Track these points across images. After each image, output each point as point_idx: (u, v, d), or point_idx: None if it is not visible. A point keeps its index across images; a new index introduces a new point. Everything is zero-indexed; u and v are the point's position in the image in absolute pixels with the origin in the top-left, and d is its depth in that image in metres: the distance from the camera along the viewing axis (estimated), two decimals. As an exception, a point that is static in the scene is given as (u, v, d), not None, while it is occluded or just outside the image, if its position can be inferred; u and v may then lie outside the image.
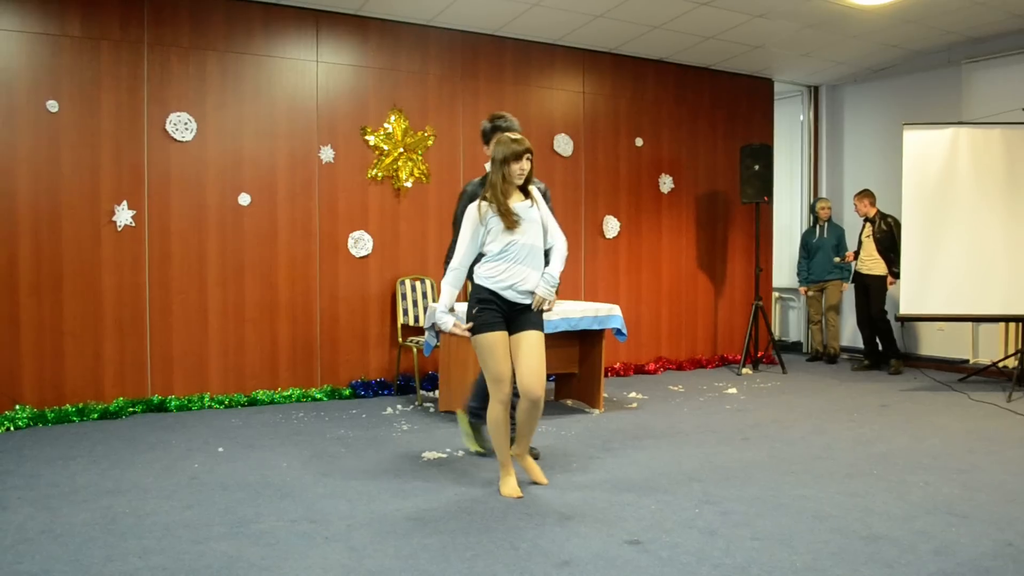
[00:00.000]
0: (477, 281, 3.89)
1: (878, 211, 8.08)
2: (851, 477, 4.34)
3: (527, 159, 3.88)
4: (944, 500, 3.93)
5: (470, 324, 3.88)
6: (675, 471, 4.44)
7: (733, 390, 7.07)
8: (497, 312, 3.87)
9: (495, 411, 3.91)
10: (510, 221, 3.82)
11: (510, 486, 3.96)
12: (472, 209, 3.87)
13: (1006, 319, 6.94)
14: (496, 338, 3.86)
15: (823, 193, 9.61)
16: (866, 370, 8.23)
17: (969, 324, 8.10)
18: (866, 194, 8.13)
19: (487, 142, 4.45)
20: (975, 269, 7.01)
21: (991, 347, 8.04)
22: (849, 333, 9.19)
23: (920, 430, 5.53)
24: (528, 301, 3.93)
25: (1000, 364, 7.65)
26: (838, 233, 8.89)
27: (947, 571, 3.05)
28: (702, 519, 3.63)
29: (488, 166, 4.03)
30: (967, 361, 8.16)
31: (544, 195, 4.42)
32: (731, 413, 6.12)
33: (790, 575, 3.01)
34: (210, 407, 6.08)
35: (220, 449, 4.86)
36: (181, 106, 6.09)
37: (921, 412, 6.16)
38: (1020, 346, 7.12)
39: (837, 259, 8.55)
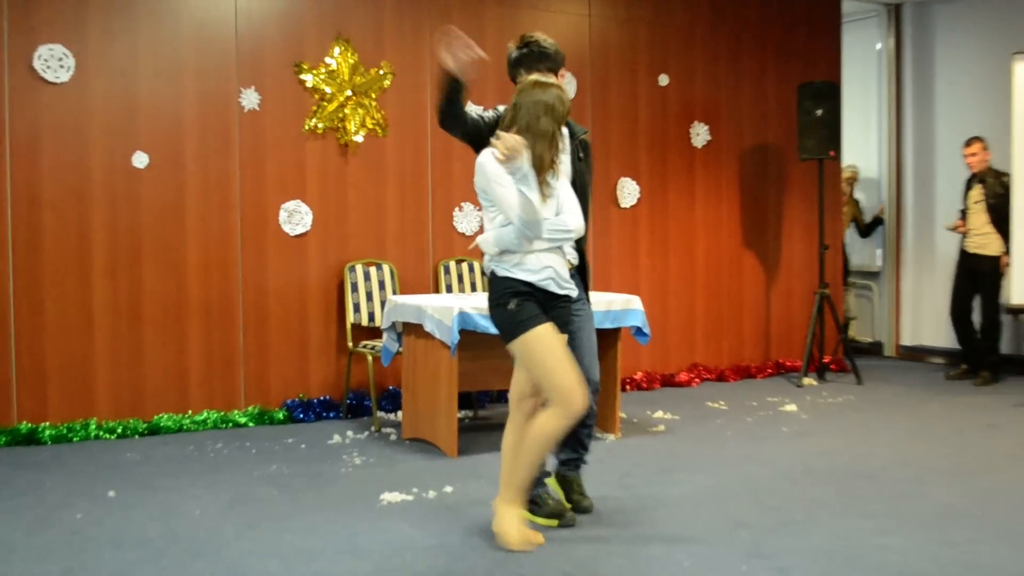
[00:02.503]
0: (505, 273, 3.93)
1: (991, 168, 8.01)
2: (948, 520, 4.33)
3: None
4: (1071, 549, 3.93)
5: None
6: (715, 515, 4.42)
7: (792, 407, 7.08)
8: (536, 306, 3.93)
9: (555, 427, 3.87)
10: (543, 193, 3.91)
11: (524, 532, 3.94)
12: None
13: None
14: (549, 330, 3.90)
15: (908, 145, 9.60)
16: (964, 377, 8.25)
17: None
18: (978, 141, 8.03)
19: (516, 77, 4.37)
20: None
21: None
22: (934, 328, 9.15)
23: (1038, 457, 5.55)
24: (567, 292, 4.01)
25: None
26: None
27: (1077, 644, 3.04)
28: (752, 579, 3.61)
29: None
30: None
31: (584, 147, 4.44)
32: (789, 438, 6.12)
33: (870, 652, 3.00)
34: (97, 437, 6.05)
35: (111, 493, 4.82)
36: (53, 36, 6.02)
37: (1039, 433, 6.19)
38: None
39: (948, 226, 8.44)
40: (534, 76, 4.07)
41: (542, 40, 4.31)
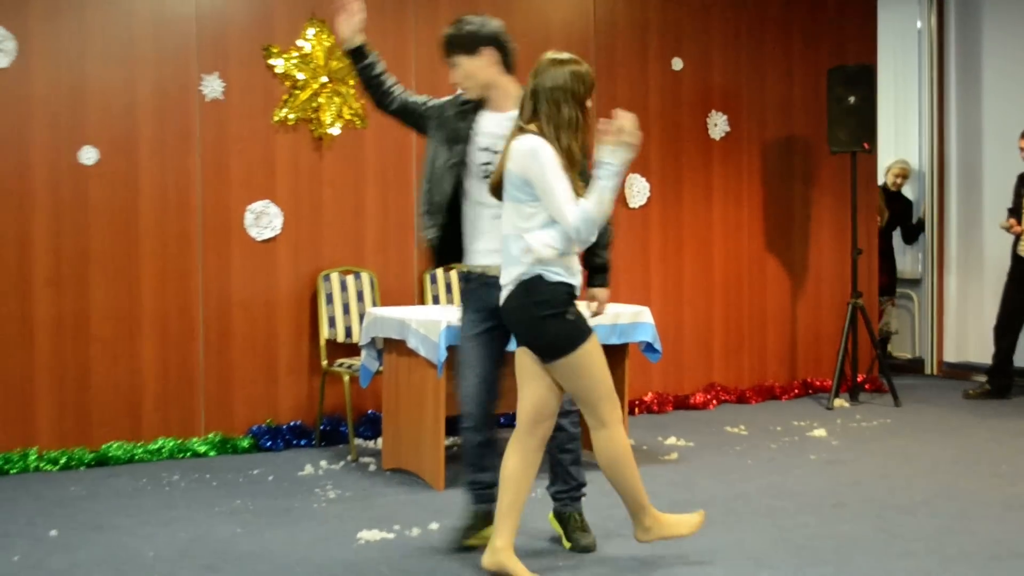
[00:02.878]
0: (557, 278, 4.02)
1: None
2: (998, 560, 4.34)
3: None
4: None
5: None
6: (735, 554, 4.43)
7: (821, 432, 7.08)
8: None
9: (624, 437, 4.17)
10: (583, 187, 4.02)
11: (689, 520, 4.30)
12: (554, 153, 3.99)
13: None
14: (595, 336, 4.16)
15: (952, 136, 9.60)
16: (984, 398, 8.32)
17: None
18: None
19: (456, 55, 4.50)
20: None
21: None
22: (981, 343, 9.12)
23: (1099, 488, 5.56)
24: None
25: None
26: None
27: None
28: (776, 628, 3.62)
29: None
30: None
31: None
32: (818, 467, 6.12)
33: None
34: (38, 469, 6.02)
35: (52, 532, 4.80)
36: (-10, 17, 6.04)
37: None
38: None
39: (1002, 225, 8.39)
40: (549, 54, 4.14)
41: (456, 24, 4.52)
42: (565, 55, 4.10)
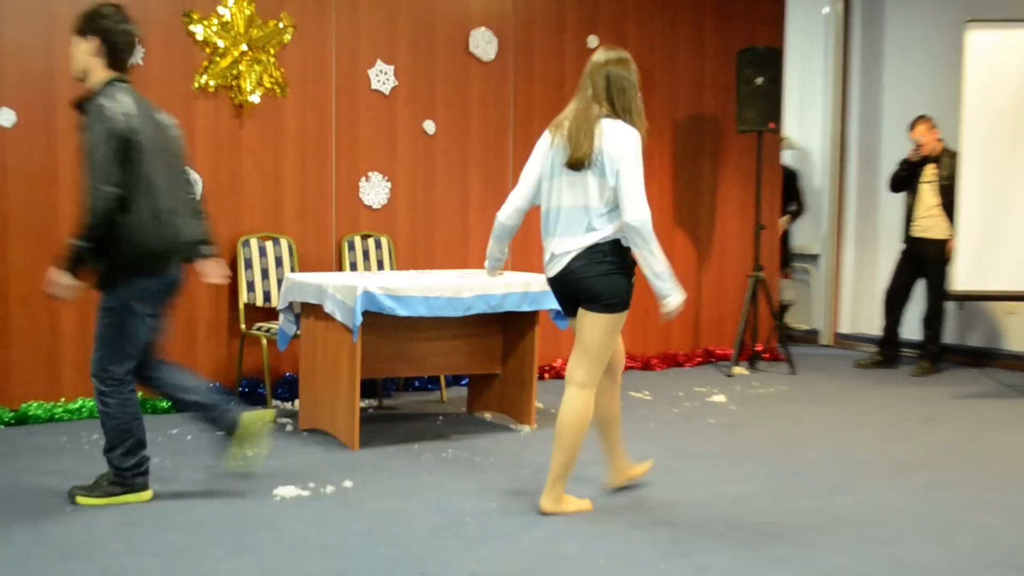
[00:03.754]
0: (627, 244, 4.43)
1: (946, 148, 8.23)
2: (880, 519, 4.52)
3: None
4: (1006, 549, 4.14)
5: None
6: (635, 511, 4.57)
7: (720, 398, 7.28)
8: None
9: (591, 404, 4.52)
10: None
11: (584, 504, 4.59)
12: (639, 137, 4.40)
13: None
14: None
15: (853, 118, 9.84)
16: (875, 367, 8.63)
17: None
18: (923, 122, 8.28)
19: (74, 32, 4.51)
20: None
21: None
22: (874, 315, 9.36)
23: (979, 453, 5.79)
24: None
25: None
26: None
27: (999, 643, 3.22)
28: (670, 578, 3.72)
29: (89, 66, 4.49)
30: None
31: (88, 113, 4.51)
32: (717, 430, 6.30)
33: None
34: (-44, 426, 5.98)
35: (-29, 487, 4.77)
36: (-92, -24, 5.93)
37: (982, 427, 6.45)
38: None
39: (910, 152, 8.40)
40: (603, 52, 4.49)
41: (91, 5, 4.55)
42: (622, 52, 4.49)
